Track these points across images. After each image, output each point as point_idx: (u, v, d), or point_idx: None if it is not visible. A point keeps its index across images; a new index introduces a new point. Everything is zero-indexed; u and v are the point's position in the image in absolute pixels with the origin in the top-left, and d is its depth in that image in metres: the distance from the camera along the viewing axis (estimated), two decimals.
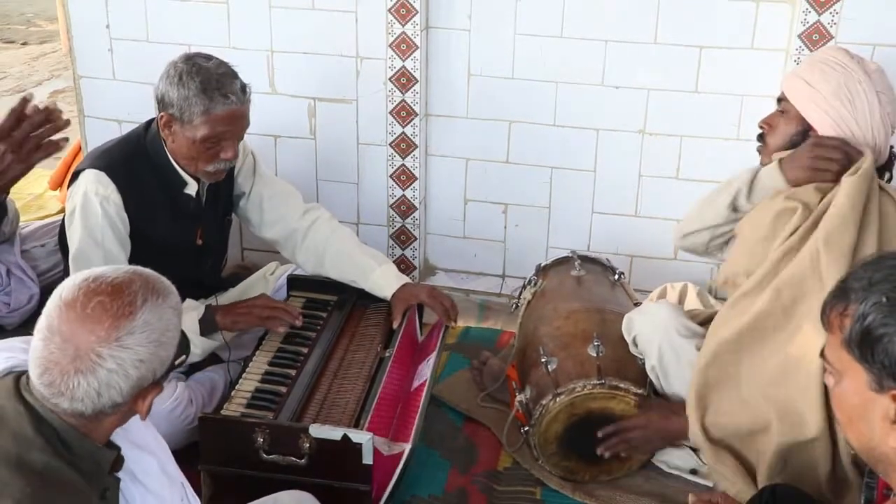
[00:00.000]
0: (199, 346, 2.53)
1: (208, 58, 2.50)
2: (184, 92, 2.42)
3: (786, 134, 2.33)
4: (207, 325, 2.53)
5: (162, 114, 2.49)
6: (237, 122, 2.50)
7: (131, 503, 1.61)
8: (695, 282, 3.05)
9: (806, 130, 2.28)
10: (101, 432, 1.49)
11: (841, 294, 1.37)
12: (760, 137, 2.41)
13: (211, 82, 2.43)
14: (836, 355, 1.36)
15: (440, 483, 2.51)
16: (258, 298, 2.65)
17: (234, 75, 2.50)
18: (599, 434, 2.40)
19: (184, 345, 1.55)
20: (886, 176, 2.34)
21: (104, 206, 2.48)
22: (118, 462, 1.57)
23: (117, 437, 1.59)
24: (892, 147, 2.33)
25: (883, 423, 1.31)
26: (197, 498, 1.79)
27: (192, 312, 2.54)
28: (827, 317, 1.39)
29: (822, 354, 1.41)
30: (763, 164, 2.38)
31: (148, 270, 1.54)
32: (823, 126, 2.24)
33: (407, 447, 2.27)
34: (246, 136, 2.87)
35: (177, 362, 1.51)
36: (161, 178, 2.57)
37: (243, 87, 2.50)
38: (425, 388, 2.50)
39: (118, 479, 1.58)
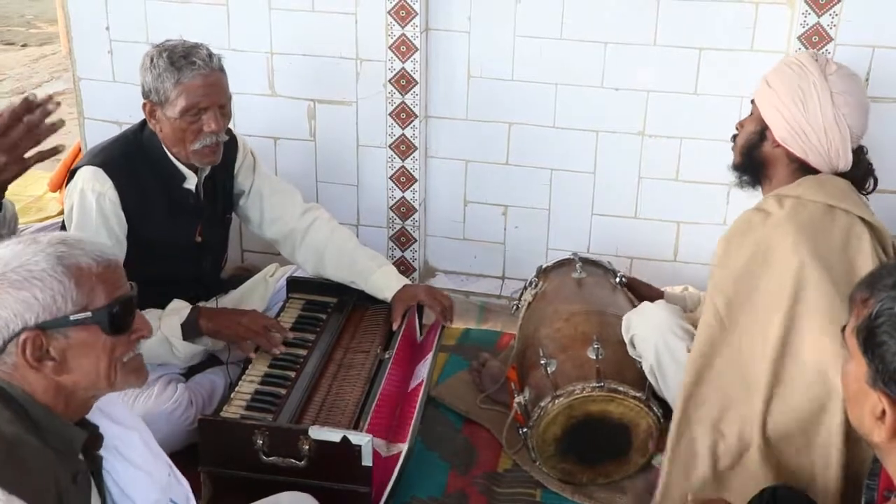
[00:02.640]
0: (182, 350, 2.53)
1: (175, 40, 2.54)
2: (156, 72, 2.46)
3: (747, 133, 2.36)
4: (191, 330, 2.53)
5: (145, 103, 2.52)
6: (212, 90, 2.49)
7: (117, 479, 1.59)
8: (695, 284, 3.05)
9: (763, 130, 2.31)
10: (46, 395, 1.45)
11: (869, 282, 1.38)
12: (734, 138, 2.44)
13: (177, 54, 2.47)
14: (850, 337, 1.39)
15: (440, 485, 2.51)
16: (245, 315, 2.61)
17: (200, 46, 2.53)
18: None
19: (105, 311, 1.46)
20: (870, 183, 2.35)
21: (100, 203, 2.48)
22: (97, 441, 1.56)
23: (98, 415, 1.58)
24: (866, 151, 2.35)
25: (870, 416, 1.34)
26: (184, 479, 1.78)
27: (173, 316, 2.54)
28: (854, 298, 1.41)
29: (843, 329, 1.43)
30: (733, 164, 2.41)
31: (80, 234, 1.54)
32: (777, 126, 2.26)
33: (404, 447, 2.27)
34: (246, 137, 2.88)
35: (73, 317, 1.43)
36: (159, 174, 2.57)
37: (210, 54, 2.51)
38: (422, 389, 2.50)
39: (97, 460, 1.56)
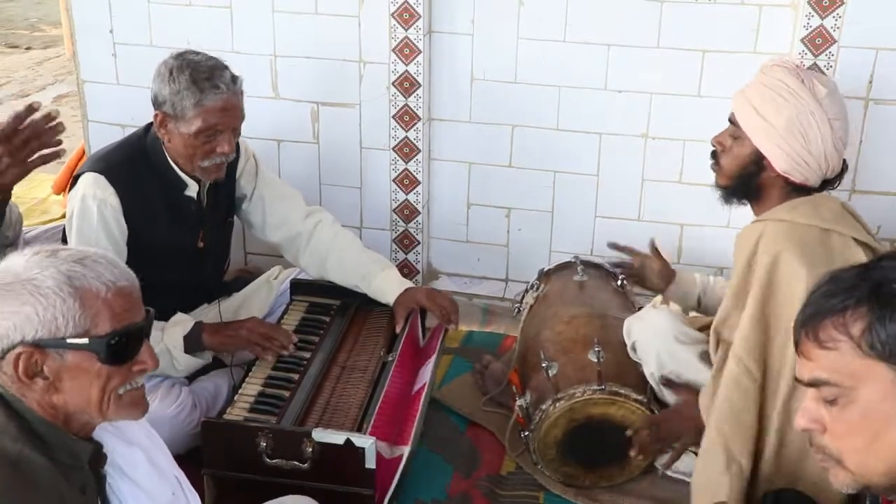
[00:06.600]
0: (182, 363, 2.52)
1: (197, 53, 2.51)
2: (175, 87, 2.43)
3: (740, 158, 2.29)
4: (193, 343, 2.52)
5: (156, 113, 2.50)
6: (230, 113, 2.49)
7: (120, 497, 1.58)
8: None
9: (760, 160, 2.25)
10: (43, 410, 1.43)
11: (830, 304, 1.25)
12: (714, 156, 2.37)
13: (200, 74, 2.44)
14: (844, 369, 1.23)
15: (443, 487, 2.51)
16: (247, 322, 2.61)
17: (224, 67, 2.51)
18: (628, 432, 2.39)
19: (104, 342, 1.43)
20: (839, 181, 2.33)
21: (101, 210, 2.47)
22: (100, 458, 1.55)
23: (105, 431, 1.57)
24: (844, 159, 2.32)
25: None
26: (195, 493, 1.76)
27: (177, 328, 2.53)
28: (814, 335, 1.26)
29: (807, 382, 1.28)
30: (720, 185, 2.36)
31: (103, 252, 1.51)
32: (777, 159, 2.21)
33: (406, 450, 2.27)
34: (249, 140, 2.88)
35: (70, 340, 1.40)
36: (161, 180, 2.57)
37: (234, 78, 2.50)
38: (425, 391, 2.50)
39: (102, 476, 1.55)
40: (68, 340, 1.41)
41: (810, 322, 1.27)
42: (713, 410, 2.17)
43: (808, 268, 2.08)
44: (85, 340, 1.42)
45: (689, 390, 2.37)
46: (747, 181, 2.30)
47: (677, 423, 2.38)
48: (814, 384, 1.27)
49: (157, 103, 2.49)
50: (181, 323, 2.55)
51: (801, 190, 2.26)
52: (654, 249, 2.83)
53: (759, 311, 2.14)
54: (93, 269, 1.44)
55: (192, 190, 2.61)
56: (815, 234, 2.16)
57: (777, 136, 2.20)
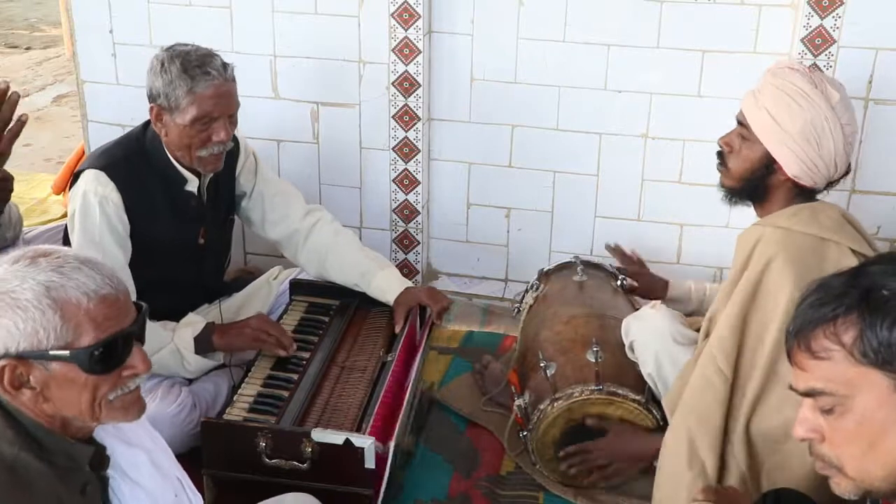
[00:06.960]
0: (193, 364, 2.53)
1: (187, 44, 2.53)
2: (167, 77, 2.45)
3: (749, 160, 2.27)
4: (204, 344, 2.53)
5: (152, 106, 2.51)
6: (224, 99, 2.49)
7: (121, 499, 1.58)
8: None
9: (770, 164, 2.24)
10: (39, 417, 1.42)
11: (821, 313, 1.25)
12: (720, 156, 2.35)
13: (191, 62, 2.45)
14: (838, 378, 1.24)
15: (443, 487, 2.51)
16: (252, 319, 2.61)
17: (214, 54, 2.52)
18: (560, 454, 2.43)
19: (82, 354, 1.39)
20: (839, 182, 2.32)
21: (103, 206, 2.47)
22: (103, 460, 1.54)
23: (107, 433, 1.57)
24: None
25: None
26: (198, 494, 1.76)
27: (187, 329, 2.53)
28: (807, 345, 1.26)
29: (802, 392, 1.28)
30: (725, 185, 2.34)
31: (84, 255, 1.46)
32: (790, 164, 2.20)
33: (391, 444, 2.26)
34: (249, 139, 2.88)
35: (52, 352, 1.38)
36: (161, 176, 2.58)
37: (224, 65, 2.51)
38: (409, 385, 2.49)
39: (104, 480, 1.55)
40: (50, 353, 1.38)
41: (802, 332, 1.27)
42: (680, 402, 2.19)
43: (794, 281, 2.07)
44: (67, 353, 1.39)
45: (629, 427, 2.41)
46: (755, 184, 2.29)
47: (610, 453, 2.43)
48: (809, 394, 1.27)
49: (151, 97, 2.50)
50: (192, 324, 2.56)
51: (805, 192, 2.26)
52: (616, 251, 2.98)
53: (741, 314, 2.14)
54: (72, 279, 1.39)
55: (193, 185, 2.61)
56: (811, 243, 2.15)
57: (791, 141, 2.19)
